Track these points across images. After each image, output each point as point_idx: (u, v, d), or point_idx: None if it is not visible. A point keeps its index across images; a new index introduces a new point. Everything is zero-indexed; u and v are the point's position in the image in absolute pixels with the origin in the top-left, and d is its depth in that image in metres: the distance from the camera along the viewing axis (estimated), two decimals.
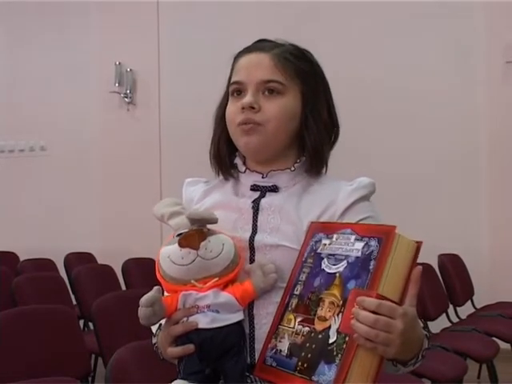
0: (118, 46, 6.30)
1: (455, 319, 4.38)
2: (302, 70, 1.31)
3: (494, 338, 3.73)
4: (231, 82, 1.34)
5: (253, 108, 1.28)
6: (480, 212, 5.33)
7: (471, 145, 5.39)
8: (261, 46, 1.34)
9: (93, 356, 3.34)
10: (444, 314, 4.32)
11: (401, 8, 5.48)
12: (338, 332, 1.07)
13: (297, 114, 1.31)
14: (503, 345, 3.79)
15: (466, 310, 4.56)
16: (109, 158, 6.33)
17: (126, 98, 6.29)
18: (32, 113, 6.55)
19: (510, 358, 4.07)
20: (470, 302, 4.73)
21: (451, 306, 4.47)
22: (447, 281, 4.55)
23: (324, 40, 5.43)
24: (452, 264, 4.68)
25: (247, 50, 1.34)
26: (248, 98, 1.28)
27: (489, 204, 5.31)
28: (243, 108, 1.28)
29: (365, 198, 1.29)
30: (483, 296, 4.80)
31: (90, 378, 2.86)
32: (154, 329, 1.34)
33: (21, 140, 6.68)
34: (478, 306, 4.69)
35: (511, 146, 5.24)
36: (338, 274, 1.13)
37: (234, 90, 1.32)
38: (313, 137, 1.30)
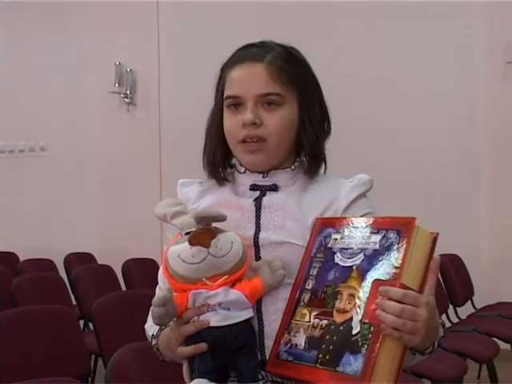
0: (118, 45, 6.30)
1: (455, 319, 4.38)
2: (295, 75, 1.30)
3: (494, 339, 3.73)
4: (226, 95, 1.31)
5: (254, 123, 1.27)
6: (480, 212, 5.33)
7: (471, 145, 5.39)
8: (252, 53, 1.31)
9: (93, 356, 3.34)
10: (444, 315, 4.32)
11: (401, 8, 5.48)
12: (362, 323, 1.08)
13: (295, 121, 1.31)
14: (503, 345, 3.79)
15: (466, 311, 4.56)
16: (109, 158, 6.32)
17: (126, 98, 6.28)
18: (32, 113, 6.54)
19: (510, 358, 4.07)
20: (470, 302, 4.73)
21: (451, 307, 4.47)
22: (447, 281, 4.54)
23: (323, 40, 5.44)
24: (452, 264, 4.68)
25: (238, 61, 1.31)
26: (249, 115, 1.27)
27: (489, 204, 5.31)
28: (244, 124, 1.28)
29: (364, 194, 1.32)
30: (483, 296, 4.80)
31: (89, 378, 2.86)
32: (150, 331, 1.34)
33: (21, 140, 6.67)
34: (478, 307, 4.69)
35: (511, 146, 5.24)
36: (354, 267, 1.14)
37: (231, 103, 1.31)
38: (311, 141, 1.31)
